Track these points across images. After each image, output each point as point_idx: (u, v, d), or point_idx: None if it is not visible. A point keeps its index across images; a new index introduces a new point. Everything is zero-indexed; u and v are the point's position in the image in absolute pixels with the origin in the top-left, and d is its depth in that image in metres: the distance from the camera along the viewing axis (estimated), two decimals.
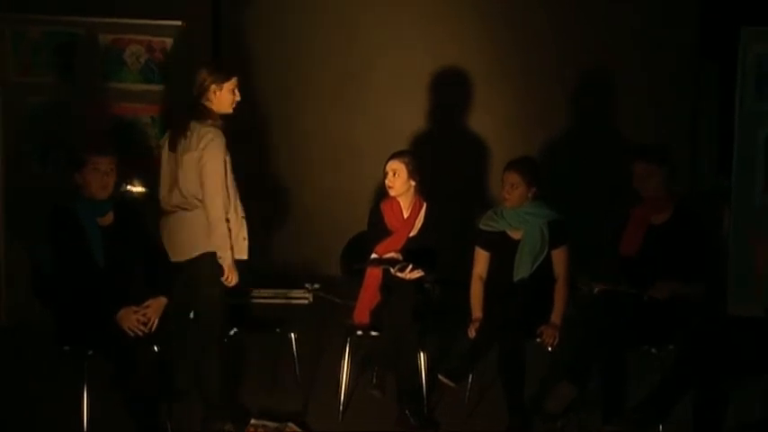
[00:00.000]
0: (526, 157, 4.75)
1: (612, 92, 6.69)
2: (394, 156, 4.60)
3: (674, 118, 6.61)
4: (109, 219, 4.20)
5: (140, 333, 4.03)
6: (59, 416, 4.31)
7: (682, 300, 4.21)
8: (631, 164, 4.34)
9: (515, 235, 4.53)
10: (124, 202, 4.35)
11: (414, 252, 4.51)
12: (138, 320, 4.04)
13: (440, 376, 4.35)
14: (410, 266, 4.42)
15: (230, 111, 4.38)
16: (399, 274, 4.42)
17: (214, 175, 4.22)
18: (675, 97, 6.62)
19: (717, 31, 6.28)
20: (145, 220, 4.37)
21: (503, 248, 4.54)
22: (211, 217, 4.21)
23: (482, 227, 4.62)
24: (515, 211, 4.52)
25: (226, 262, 4.22)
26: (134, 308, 4.06)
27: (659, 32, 6.62)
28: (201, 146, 4.24)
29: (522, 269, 4.48)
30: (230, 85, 4.36)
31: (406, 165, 4.55)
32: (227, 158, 4.28)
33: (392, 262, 4.47)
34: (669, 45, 6.61)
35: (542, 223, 4.48)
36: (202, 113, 4.31)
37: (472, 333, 4.44)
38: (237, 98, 4.38)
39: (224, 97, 4.35)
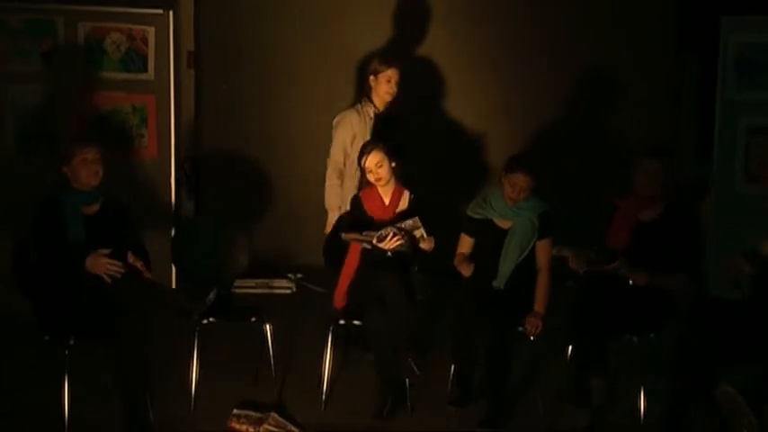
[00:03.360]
0: (528, 155, 4.72)
1: (595, 84, 6.69)
2: (367, 150, 4.52)
3: (656, 108, 6.63)
4: (95, 208, 4.27)
5: (117, 275, 4.04)
6: (40, 406, 4.30)
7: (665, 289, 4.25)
8: (642, 159, 4.32)
9: (504, 225, 4.53)
10: (113, 197, 4.38)
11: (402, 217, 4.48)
12: (108, 263, 4.05)
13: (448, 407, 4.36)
14: (390, 234, 4.35)
15: (387, 99, 4.98)
16: (380, 245, 4.36)
17: (333, 152, 4.99)
18: (657, 87, 6.63)
19: (697, 20, 6.30)
20: (132, 216, 4.43)
21: (489, 236, 4.54)
22: (326, 185, 5.01)
23: (470, 213, 4.61)
24: (508, 205, 4.52)
25: (329, 222, 4.93)
26: (102, 251, 4.07)
27: (640, 22, 6.63)
28: (333, 123, 5.03)
29: (509, 259, 4.48)
30: (385, 75, 4.95)
31: (383, 151, 4.52)
32: (350, 137, 4.94)
33: (370, 236, 4.38)
34: (650, 35, 6.62)
35: (533, 216, 4.49)
36: (358, 99, 5.09)
37: (467, 271, 4.47)
38: (393, 89, 4.95)
39: (379, 86, 4.97)
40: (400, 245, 4.36)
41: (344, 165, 5.01)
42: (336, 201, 5.00)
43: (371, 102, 5.04)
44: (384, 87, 4.97)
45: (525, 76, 6.72)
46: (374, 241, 4.36)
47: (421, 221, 4.45)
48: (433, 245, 4.48)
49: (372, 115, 5.03)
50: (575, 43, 6.64)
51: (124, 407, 4.07)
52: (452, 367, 4.46)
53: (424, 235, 4.44)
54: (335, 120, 5.05)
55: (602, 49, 6.64)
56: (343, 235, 4.48)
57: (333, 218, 4.95)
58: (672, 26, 6.62)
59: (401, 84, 5.02)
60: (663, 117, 6.64)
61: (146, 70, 5.65)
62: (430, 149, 6.50)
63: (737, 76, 5.20)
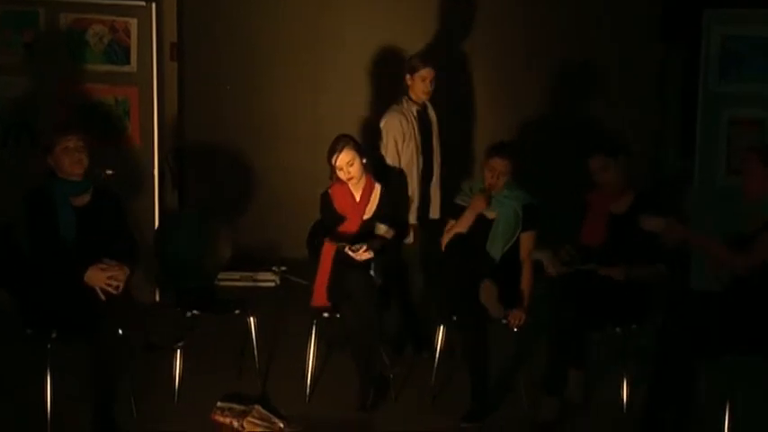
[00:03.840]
0: (507, 142, 4.76)
1: (580, 76, 6.71)
2: (338, 148, 4.50)
3: (640, 101, 6.65)
4: (84, 199, 4.22)
5: (113, 291, 4.02)
6: (23, 401, 4.28)
7: (643, 281, 4.28)
8: (588, 159, 4.37)
9: (489, 214, 4.55)
10: (104, 188, 4.34)
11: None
12: (107, 278, 4.03)
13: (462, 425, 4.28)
14: (364, 247, 4.39)
15: (423, 98, 5.00)
16: (351, 253, 4.39)
17: (387, 150, 4.92)
18: (642, 80, 6.66)
19: (680, 13, 6.33)
20: (124, 206, 4.39)
21: (475, 226, 4.55)
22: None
23: (458, 201, 4.64)
24: (493, 194, 4.53)
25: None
26: (101, 265, 4.05)
27: (625, 16, 6.65)
28: (381, 126, 4.96)
29: (494, 250, 4.50)
30: (420, 75, 4.94)
31: (354, 149, 4.51)
32: (401, 137, 4.91)
33: (349, 240, 4.44)
34: (635, 28, 6.65)
35: (517, 206, 4.51)
36: (400, 97, 5.02)
37: (482, 202, 4.47)
38: (428, 88, 4.96)
39: (416, 85, 4.97)
40: (370, 257, 4.39)
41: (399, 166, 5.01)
42: None
43: (411, 100, 5.05)
44: (420, 86, 4.98)
45: (511, 72, 6.73)
46: (346, 249, 4.41)
47: (390, 214, 4.54)
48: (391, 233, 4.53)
49: (416, 114, 5.05)
50: (559, 37, 6.65)
51: (100, 404, 4.02)
52: (435, 362, 4.48)
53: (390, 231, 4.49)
54: (382, 123, 4.99)
55: (588, 43, 6.66)
56: (328, 240, 4.51)
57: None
58: (656, 19, 6.64)
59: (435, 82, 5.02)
60: (648, 110, 6.67)
61: (128, 62, 5.61)
62: None
63: (720, 69, 5.23)
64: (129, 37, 5.59)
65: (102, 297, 4.01)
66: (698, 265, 5.05)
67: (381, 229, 4.52)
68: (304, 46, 6.82)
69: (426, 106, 5.13)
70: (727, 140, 5.23)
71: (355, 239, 4.47)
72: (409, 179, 4.96)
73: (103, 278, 4.03)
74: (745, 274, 3.96)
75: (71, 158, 4.15)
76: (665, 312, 4.15)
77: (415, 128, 5.00)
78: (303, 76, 6.85)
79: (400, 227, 4.70)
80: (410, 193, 4.97)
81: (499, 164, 4.49)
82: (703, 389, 4.14)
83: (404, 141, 4.95)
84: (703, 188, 5.37)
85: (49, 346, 4.02)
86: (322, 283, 4.54)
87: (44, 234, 4.09)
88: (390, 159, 4.94)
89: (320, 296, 4.54)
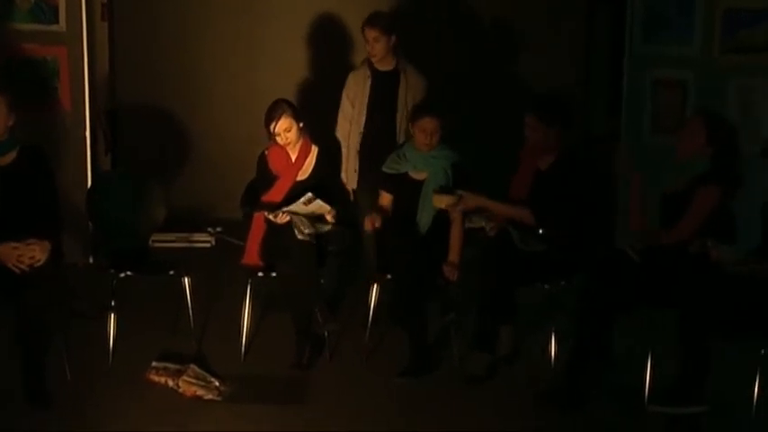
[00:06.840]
0: (432, 103, 4.81)
1: (508, 37, 6.74)
2: (275, 116, 4.50)
3: (567, 62, 6.73)
4: (9, 158, 4.15)
5: (25, 269, 3.98)
6: None
7: (571, 237, 4.38)
8: (525, 113, 4.44)
9: (419, 176, 4.60)
10: (31, 145, 4.26)
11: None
12: (18, 257, 3.99)
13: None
14: (280, 212, 4.41)
15: (372, 57, 5.03)
16: (270, 217, 4.43)
17: (339, 116, 5.12)
18: (569, 41, 6.73)
19: None
20: (50, 166, 4.32)
21: (405, 189, 4.61)
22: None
23: (385, 169, 4.69)
24: (421, 153, 4.59)
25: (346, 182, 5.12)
26: (12, 244, 4.01)
27: None
28: None
29: (427, 210, 4.56)
30: (366, 34, 5.01)
31: (291, 116, 4.52)
32: (351, 97, 5.07)
33: (272, 207, 4.47)
34: None
35: (446, 165, 4.57)
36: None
37: (368, 225, 4.54)
38: (371, 48, 5.00)
39: (367, 46, 5.04)
40: (288, 221, 4.39)
41: (350, 126, 5.09)
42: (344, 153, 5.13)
43: (369, 61, 5.09)
44: (367, 46, 5.05)
45: (439, 33, 6.72)
46: (266, 214, 4.44)
47: (323, 177, 4.55)
48: (333, 213, 4.49)
49: (369, 73, 5.07)
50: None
51: (29, 369, 4.02)
52: (369, 321, 4.54)
53: (323, 205, 4.45)
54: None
55: (515, 4, 6.69)
56: (253, 209, 4.56)
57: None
58: None
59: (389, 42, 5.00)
60: (575, 71, 6.74)
61: (57, 21, 5.50)
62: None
63: (645, 31, 5.34)
64: None
65: (17, 272, 3.98)
66: (623, 225, 5.18)
67: (324, 208, 4.48)
68: (238, 6, 6.75)
69: (399, 71, 5.07)
70: (652, 101, 5.36)
71: (282, 205, 4.47)
72: (351, 142, 5.05)
73: (14, 257, 3.99)
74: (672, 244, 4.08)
75: None
76: (587, 270, 4.29)
77: (366, 88, 5.04)
78: (238, 36, 6.79)
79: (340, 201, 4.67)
80: (345, 155, 5.06)
81: (429, 123, 4.53)
82: (617, 341, 4.26)
83: (354, 102, 5.05)
84: (630, 147, 5.50)
85: None
86: (254, 241, 4.57)
87: None
88: (339, 122, 5.10)
89: (252, 255, 4.57)
